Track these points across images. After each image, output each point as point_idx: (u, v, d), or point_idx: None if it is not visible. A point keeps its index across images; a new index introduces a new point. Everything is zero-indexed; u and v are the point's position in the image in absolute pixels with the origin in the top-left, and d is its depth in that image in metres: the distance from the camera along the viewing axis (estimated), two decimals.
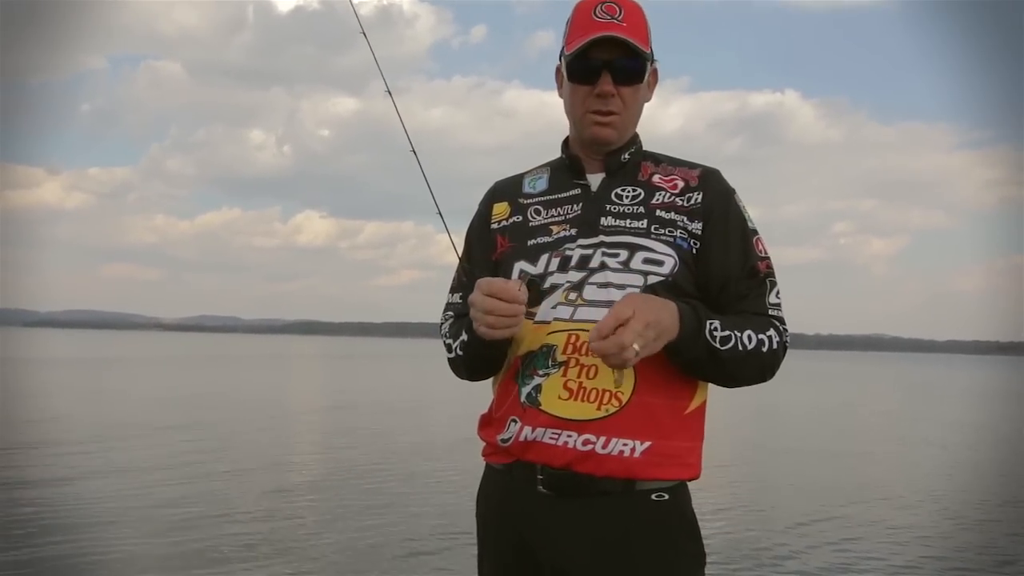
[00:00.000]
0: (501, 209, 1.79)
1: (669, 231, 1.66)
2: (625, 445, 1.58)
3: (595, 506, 1.60)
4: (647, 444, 1.59)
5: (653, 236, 1.65)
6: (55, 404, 17.88)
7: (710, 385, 1.71)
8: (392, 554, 6.39)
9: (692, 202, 1.69)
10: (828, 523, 7.86)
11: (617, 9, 1.65)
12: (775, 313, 1.70)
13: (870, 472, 11.54)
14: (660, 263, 1.64)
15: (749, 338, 1.61)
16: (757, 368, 1.65)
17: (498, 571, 1.72)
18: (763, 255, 1.71)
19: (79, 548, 6.24)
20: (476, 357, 1.70)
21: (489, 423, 1.75)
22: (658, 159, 1.77)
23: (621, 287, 1.61)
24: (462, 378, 1.81)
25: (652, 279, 1.62)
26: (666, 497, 1.62)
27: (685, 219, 1.67)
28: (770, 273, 1.71)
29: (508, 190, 1.82)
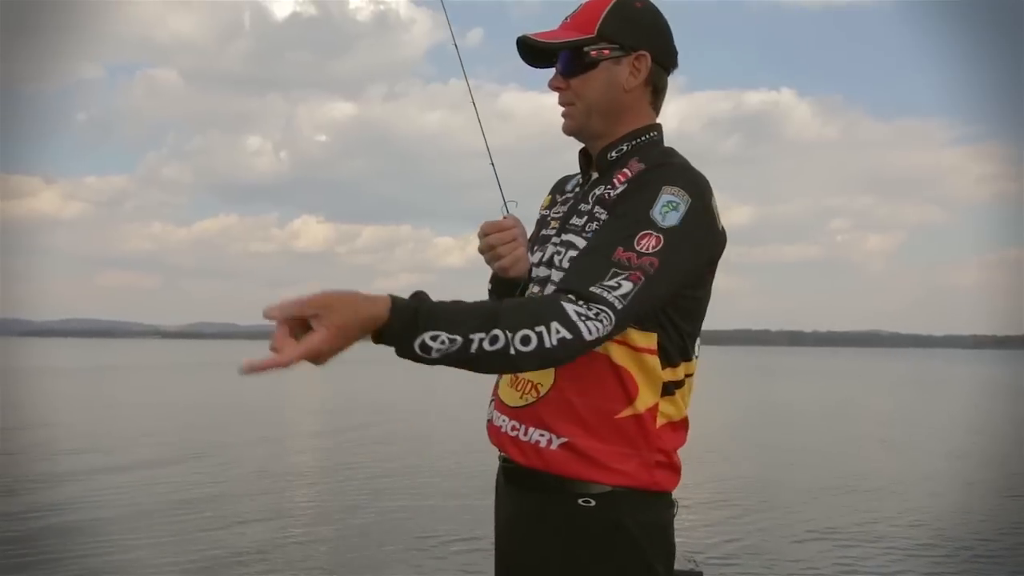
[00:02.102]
0: (546, 201, 1.88)
1: (591, 227, 1.65)
2: (541, 436, 1.61)
3: (533, 499, 1.65)
4: (563, 439, 1.60)
5: (583, 235, 1.65)
6: (53, 414, 17.86)
7: (694, 389, 1.69)
8: (407, 551, 6.41)
9: (614, 194, 1.63)
10: (827, 520, 7.87)
11: (576, 9, 1.73)
12: (596, 291, 1.43)
13: (870, 468, 11.55)
14: None
15: (494, 339, 1.37)
16: (515, 366, 1.43)
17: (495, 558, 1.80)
18: (638, 249, 1.48)
19: (79, 556, 6.24)
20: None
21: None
22: (652, 157, 1.68)
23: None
24: None
25: None
26: (592, 504, 1.59)
27: (605, 213, 1.63)
28: (627, 265, 1.47)
29: (558, 185, 1.89)
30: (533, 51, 1.73)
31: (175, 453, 12.06)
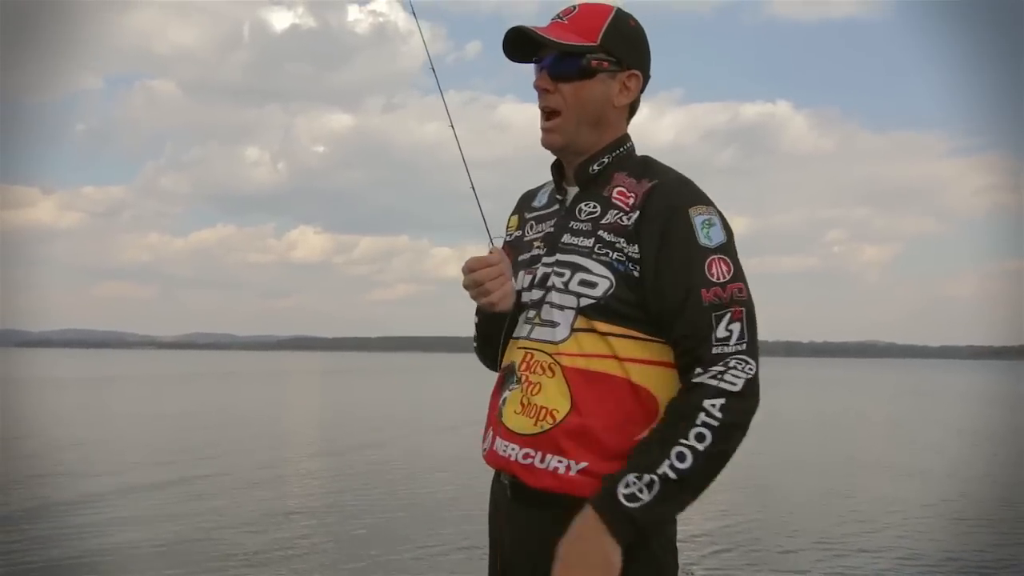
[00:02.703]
0: (512, 222, 1.84)
1: (607, 252, 1.60)
2: (560, 462, 1.57)
3: (547, 516, 1.59)
4: (583, 464, 1.56)
5: (594, 256, 1.61)
6: (51, 424, 17.81)
7: None
8: (403, 561, 6.40)
9: (629, 222, 1.60)
10: (822, 531, 7.87)
11: (572, 9, 1.67)
12: (720, 350, 1.51)
13: (866, 479, 11.56)
14: (594, 285, 1.59)
15: (681, 456, 1.47)
16: (718, 461, 1.51)
17: (490, 569, 1.77)
18: (717, 280, 1.54)
19: (78, 565, 6.22)
20: (486, 334, 1.79)
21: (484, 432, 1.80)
22: (637, 168, 1.68)
23: (561, 308, 1.62)
24: (486, 365, 1.88)
25: (584, 301, 1.59)
26: None
27: (623, 241, 1.59)
28: (721, 303, 1.53)
29: (522, 203, 1.85)
30: (521, 43, 1.67)
31: (169, 471, 11.98)
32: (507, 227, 1.86)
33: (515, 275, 1.72)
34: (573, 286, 1.61)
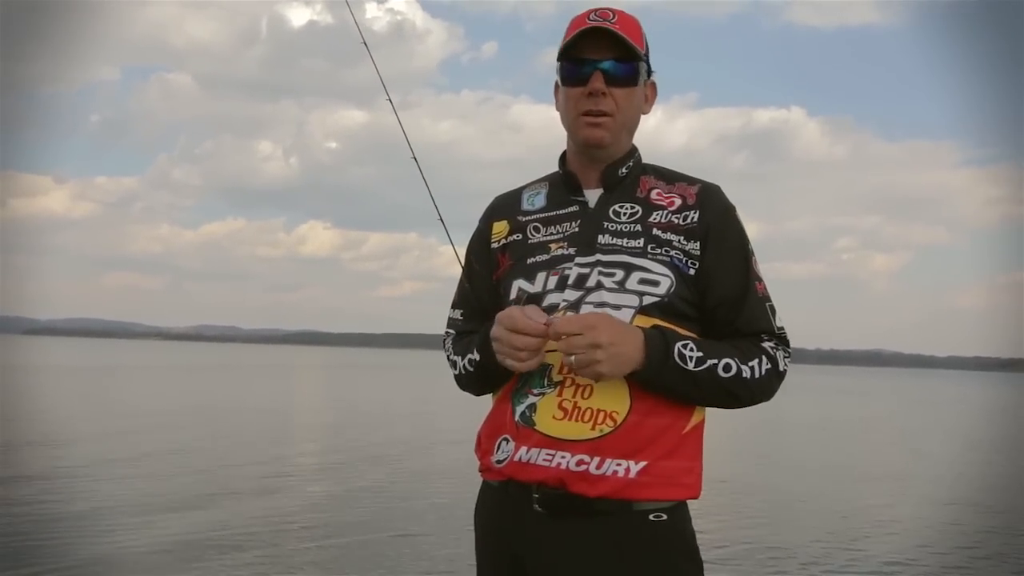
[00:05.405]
0: (500, 228, 1.78)
1: (665, 251, 1.62)
2: (619, 466, 1.56)
3: (591, 526, 1.58)
4: (642, 464, 1.57)
5: (649, 256, 1.62)
6: (53, 412, 17.86)
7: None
8: (396, 567, 6.39)
9: (689, 221, 1.65)
10: (829, 539, 7.84)
11: (610, 14, 1.65)
12: (782, 334, 1.69)
13: (872, 488, 11.51)
14: (656, 283, 1.60)
15: (727, 367, 1.58)
16: (743, 394, 1.62)
17: None
18: (760, 276, 1.69)
19: (79, 562, 6.22)
20: (489, 376, 1.70)
21: (483, 441, 1.74)
22: (658, 173, 1.73)
23: (617, 307, 1.59)
24: (470, 393, 1.82)
25: (647, 300, 1.60)
26: (664, 518, 1.60)
27: (682, 239, 1.63)
28: (768, 297, 1.69)
29: (507, 208, 1.80)
30: (583, 42, 1.64)
31: (171, 460, 11.98)
32: (491, 234, 1.79)
33: (529, 277, 1.68)
34: (632, 285, 1.60)
